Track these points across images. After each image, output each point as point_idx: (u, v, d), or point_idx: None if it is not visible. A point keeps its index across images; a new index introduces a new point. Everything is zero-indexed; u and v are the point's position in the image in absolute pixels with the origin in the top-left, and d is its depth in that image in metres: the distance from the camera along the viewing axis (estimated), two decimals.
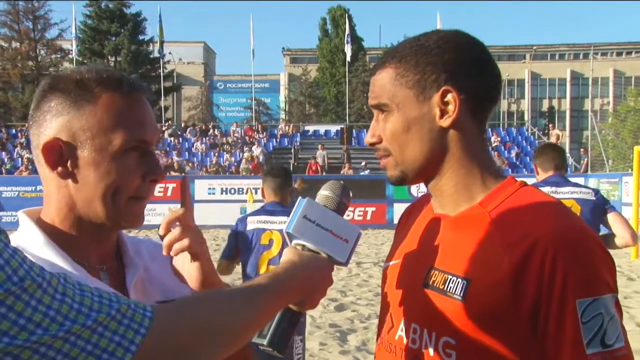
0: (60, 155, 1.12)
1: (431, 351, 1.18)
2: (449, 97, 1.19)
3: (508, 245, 1.11)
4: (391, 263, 1.37)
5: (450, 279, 1.16)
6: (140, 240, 1.36)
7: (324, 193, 1.24)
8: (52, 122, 1.12)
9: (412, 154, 1.22)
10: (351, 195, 1.28)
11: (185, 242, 1.11)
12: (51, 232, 1.15)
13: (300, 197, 1.21)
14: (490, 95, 1.24)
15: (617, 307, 1.10)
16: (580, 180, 20.70)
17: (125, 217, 1.16)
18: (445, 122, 1.20)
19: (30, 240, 1.11)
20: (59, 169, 1.12)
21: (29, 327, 0.82)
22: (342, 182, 1.29)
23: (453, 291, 1.15)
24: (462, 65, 1.20)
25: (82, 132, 1.11)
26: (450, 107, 1.19)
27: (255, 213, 4.45)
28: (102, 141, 1.11)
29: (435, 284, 1.19)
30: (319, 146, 26.92)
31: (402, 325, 1.26)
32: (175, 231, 1.12)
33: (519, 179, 1.26)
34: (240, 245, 4.31)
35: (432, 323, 1.19)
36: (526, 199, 1.18)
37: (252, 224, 4.33)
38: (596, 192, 4.55)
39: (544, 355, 1.09)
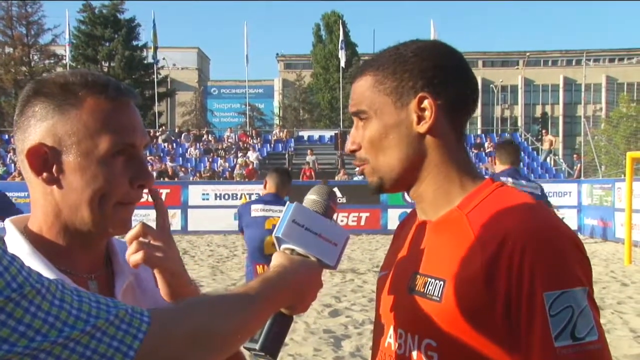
0: (45, 160, 1.09)
1: (415, 354, 1.20)
2: (426, 103, 1.21)
3: (481, 244, 1.13)
4: (382, 274, 1.40)
5: (430, 282, 1.19)
6: None
7: (312, 197, 1.25)
8: (36, 127, 1.09)
9: (389, 160, 1.24)
10: (337, 199, 1.30)
11: (138, 255, 1.13)
12: (38, 241, 1.12)
13: (288, 202, 1.22)
14: (466, 102, 1.26)
15: (591, 301, 1.09)
16: (573, 186, 20.94)
17: (111, 224, 1.13)
18: (422, 127, 1.22)
19: (15, 250, 1.07)
20: (44, 174, 1.09)
21: (29, 333, 0.82)
22: (328, 185, 1.30)
23: (432, 293, 1.17)
24: (438, 73, 1.23)
25: (67, 136, 1.09)
26: (427, 114, 1.21)
27: (256, 202, 5.47)
28: (88, 145, 1.09)
29: (417, 288, 1.21)
30: (308, 151, 26.96)
31: (390, 332, 1.28)
32: (132, 246, 1.13)
33: (497, 181, 1.28)
34: (244, 226, 5.32)
35: (414, 326, 1.21)
36: (502, 198, 1.20)
37: (256, 211, 5.27)
38: (541, 188, 5.72)
39: (519, 352, 1.09)
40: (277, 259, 1.18)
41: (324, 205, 1.23)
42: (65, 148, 1.09)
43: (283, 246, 1.21)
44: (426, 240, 1.26)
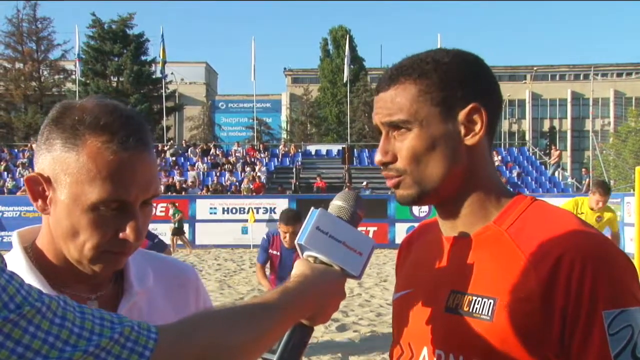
0: (41, 190, 1.10)
1: None
2: (476, 115, 1.16)
3: (533, 261, 1.09)
4: (402, 293, 1.33)
5: (476, 300, 1.14)
6: (153, 260, 1.31)
7: (337, 203, 1.19)
8: (45, 157, 1.09)
9: (434, 171, 1.17)
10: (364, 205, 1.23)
11: None
12: (39, 258, 1.14)
13: (312, 207, 1.17)
14: (500, 111, 1.23)
15: None
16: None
17: (98, 267, 1.12)
18: (472, 140, 1.17)
19: (14, 265, 1.08)
20: (39, 202, 1.11)
21: (28, 355, 0.79)
22: (356, 192, 1.24)
23: (480, 312, 1.12)
24: (482, 82, 1.19)
25: (63, 175, 1.07)
26: (478, 126, 1.17)
27: None
28: (78, 191, 1.06)
29: (459, 307, 1.16)
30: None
31: (424, 353, 1.22)
32: None
33: (528, 195, 1.24)
34: None
35: (458, 347, 1.15)
36: (541, 214, 1.17)
37: None
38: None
39: None
40: (299, 268, 1.13)
41: (350, 211, 1.18)
42: (60, 186, 1.08)
43: (306, 253, 1.16)
44: (460, 257, 1.20)
